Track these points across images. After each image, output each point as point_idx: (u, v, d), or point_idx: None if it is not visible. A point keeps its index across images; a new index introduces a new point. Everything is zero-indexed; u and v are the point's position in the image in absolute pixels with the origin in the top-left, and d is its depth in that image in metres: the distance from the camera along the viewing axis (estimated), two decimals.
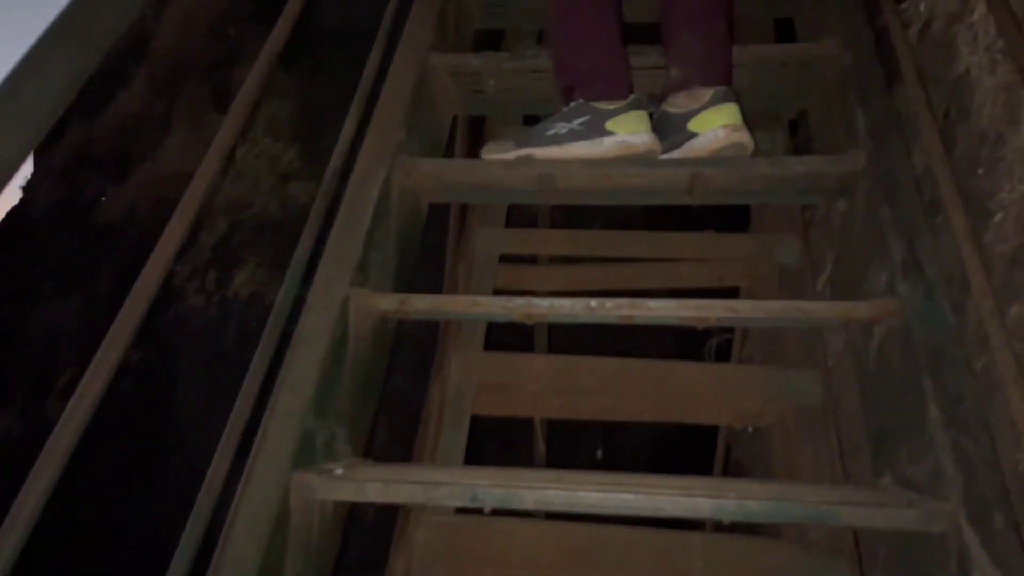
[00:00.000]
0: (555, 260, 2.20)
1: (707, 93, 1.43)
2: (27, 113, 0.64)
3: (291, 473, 1.05)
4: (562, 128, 1.46)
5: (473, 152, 2.27)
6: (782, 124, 2.04)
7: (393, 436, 2.38)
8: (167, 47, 5.01)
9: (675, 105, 1.46)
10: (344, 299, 1.28)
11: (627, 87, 1.45)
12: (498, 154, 1.52)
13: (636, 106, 1.44)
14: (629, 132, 1.42)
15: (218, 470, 1.13)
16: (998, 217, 1.15)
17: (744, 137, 1.42)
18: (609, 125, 1.43)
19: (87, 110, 4.84)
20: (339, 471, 1.10)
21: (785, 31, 2.13)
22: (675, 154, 1.47)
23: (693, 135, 1.43)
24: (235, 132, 1.27)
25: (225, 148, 1.24)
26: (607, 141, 1.43)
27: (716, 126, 1.41)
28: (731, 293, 2.00)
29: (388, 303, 1.33)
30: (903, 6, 1.56)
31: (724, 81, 1.46)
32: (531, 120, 2.44)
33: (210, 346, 3.87)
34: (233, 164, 4.34)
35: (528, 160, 1.50)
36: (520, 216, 2.29)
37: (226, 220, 4.20)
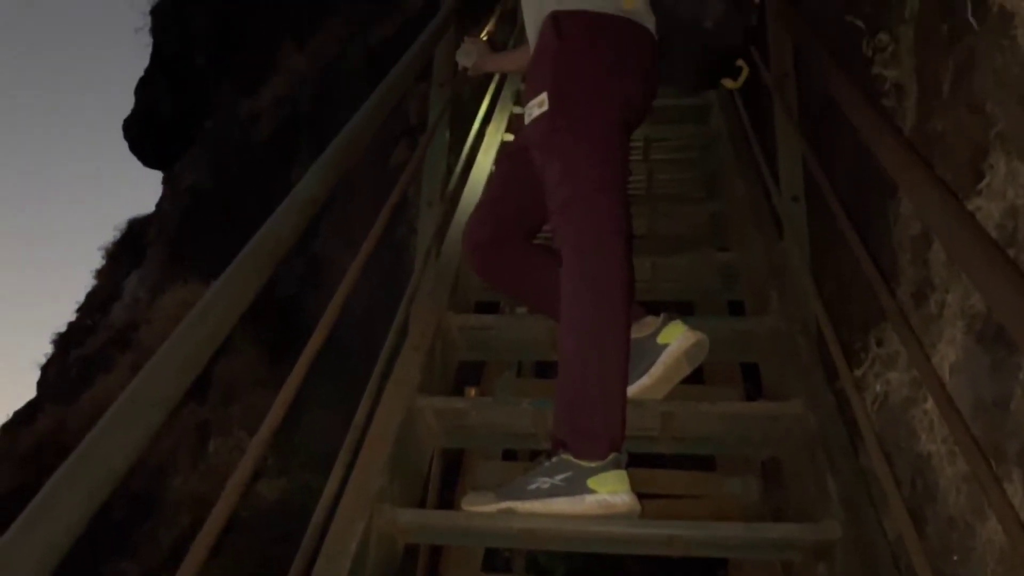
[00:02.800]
0: None
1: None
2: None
3: None
4: (544, 483, 1.49)
5: (449, 478, 2.28)
6: (753, 468, 2.10)
7: None
8: (155, 336, 5.15)
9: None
10: None
11: (615, 447, 1.49)
12: (479, 506, 1.53)
13: (616, 465, 1.48)
14: (609, 492, 1.45)
15: None
16: None
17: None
18: (591, 483, 1.46)
19: (63, 396, 4.84)
20: None
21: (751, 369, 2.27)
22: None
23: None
24: (255, 463, 1.28)
25: (244, 479, 1.23)
26: (588, 499, 1.45)
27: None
28: None
29: None
30: (858, 373, 1.68)
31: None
32: (510, 454, 2.50)
33: None
34: (205, 457, 4.27)
35: (509, 513, 1.51)
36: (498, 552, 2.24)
37: (188, 516, 4.04)
